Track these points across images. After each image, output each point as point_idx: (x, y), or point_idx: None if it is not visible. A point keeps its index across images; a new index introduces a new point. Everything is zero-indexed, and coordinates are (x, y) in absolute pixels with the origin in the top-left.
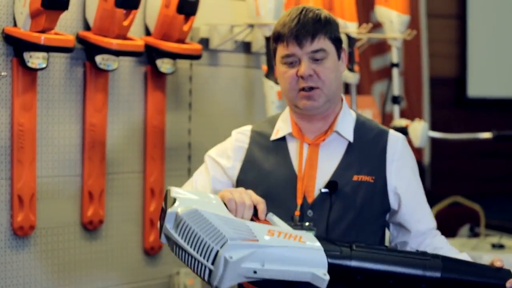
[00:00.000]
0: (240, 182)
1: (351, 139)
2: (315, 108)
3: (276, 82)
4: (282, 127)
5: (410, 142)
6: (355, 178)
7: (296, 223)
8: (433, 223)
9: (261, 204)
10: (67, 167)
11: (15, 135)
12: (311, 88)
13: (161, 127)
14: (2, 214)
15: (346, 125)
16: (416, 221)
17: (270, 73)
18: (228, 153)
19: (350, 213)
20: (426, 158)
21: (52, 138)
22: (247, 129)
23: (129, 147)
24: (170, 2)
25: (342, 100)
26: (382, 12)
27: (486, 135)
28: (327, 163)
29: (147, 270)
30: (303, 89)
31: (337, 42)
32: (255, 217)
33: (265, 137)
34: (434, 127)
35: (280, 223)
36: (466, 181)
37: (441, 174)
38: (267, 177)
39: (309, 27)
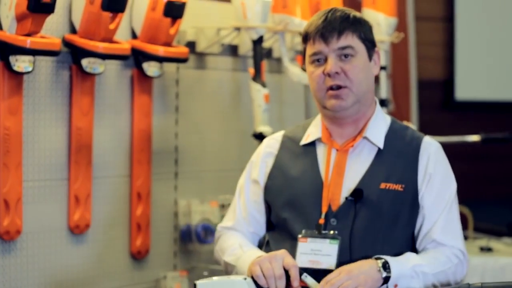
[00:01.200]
0: (268, 188)
1: (381, 145)
2: (343, 109)
3: (263, 85)
4: (313, 132)
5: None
6: (382, 186)
7: (320, 232)
8: (449, 240)
9: (293, 270)
10: (54, 171)
11: (1, 139)
12: (339, 87)
13: (147, 131)
14: None
15: (377, 130)
16: (429, 227)
17: (257, 76)
18: (255, 166)
19: (377, 222)
20: None
21: (39, 142)
22: (279, 134)
23: (116, 150)
24: (156, 5)
25: (376, 103)
26: (369, 14)
27: (474, 138)
28: (355, 169)
29: (134, 274)
30: (331, 88)
31: (368, 43)
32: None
33: (296, 142)
34: (422, 129)
35: (313, 284)
36: None
37: None
38: (293, 183)
39: (336, 24)
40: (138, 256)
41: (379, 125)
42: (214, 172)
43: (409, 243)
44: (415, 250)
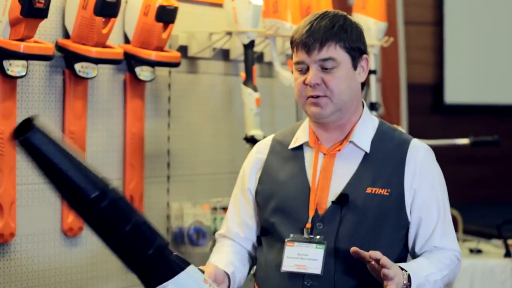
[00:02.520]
0: (258, 193)
1: (367, 149)
2: (323, 117)
3: (255, 89)
4: (301, 136)
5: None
6: (368, 190)
7: (307, 236)
8: (448, 244)
9: None
10: None
11: None
12: (318, 96)
13: (140, 135)
14: None
15: (363, 135)
16: (429, 235)
17: (249, 80)
18: (245, 174)
19: (362, 226)
20: None
21: None
22: (269, 138)
23: (109, 154)
24: (149, 10)
25: (363, 107)
26: (359, 19)
27: (464, 141)
28: (342, 174)
29: (127, 277)
30: (311, 96)
31: (353, 51)
32: None
33: (285, 145)
34: (412, 133)
35: None
36: None
37: None
38: (281, 188)
39: (319, 34)
40: None
41: (366, 129)
42: (206, 175)
43: (395, 248)
44: (402, 254)
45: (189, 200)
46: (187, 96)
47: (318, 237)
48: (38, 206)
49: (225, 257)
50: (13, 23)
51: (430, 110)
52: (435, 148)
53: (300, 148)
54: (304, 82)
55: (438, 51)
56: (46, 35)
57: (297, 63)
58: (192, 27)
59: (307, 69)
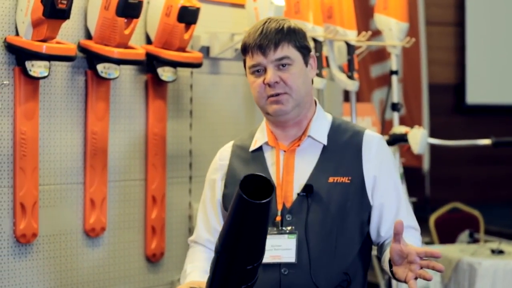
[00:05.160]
0: (225, 197)
1: (325, 142)
2: (285, 113)
3: None
4: (259, 137)
5: (408, 149)
6: (330, 180)
7: (278, 228)
8: (412, 221)
9: None
10: (69, 175)
11: (18, 143)
12: (278, 94)
13: (162, 135)
14: (5, 221)
15: (319, 129)
16: (394, 216)
17: None
18: (211, 181)
19: (328, 214)
20: (426, 165)
21: (54, 146)
22: (229, 145)
23: (131, 154)
24: (170, 11)
25: (316, 104)
26: (381, 20)
27: (485, 141)
28: (303, 167)
29: (149, 277)
30: (271, 95)
31: (303, 50)
32: None
33: (245, 149)
34: (433, 133)
35: None
36: (465, 187)
37: (440, 181)
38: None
39: (272, 36)
40: (153, 259)
41: (321, 124)
42: None
43: (362, 232)
44: (368, 237)
45: None
46: (209, 97)
47: (289, 228)
48: (61, 206)
49: (199, 265)
50: (35, 24)
51: (451, 110)
52: (456, 148)
53: (260, 149)
54: (263, 82)
55: (459, 52)
56: (68, 36)
57: (253, 66)
58: (214, 27)
59: (264, 70)
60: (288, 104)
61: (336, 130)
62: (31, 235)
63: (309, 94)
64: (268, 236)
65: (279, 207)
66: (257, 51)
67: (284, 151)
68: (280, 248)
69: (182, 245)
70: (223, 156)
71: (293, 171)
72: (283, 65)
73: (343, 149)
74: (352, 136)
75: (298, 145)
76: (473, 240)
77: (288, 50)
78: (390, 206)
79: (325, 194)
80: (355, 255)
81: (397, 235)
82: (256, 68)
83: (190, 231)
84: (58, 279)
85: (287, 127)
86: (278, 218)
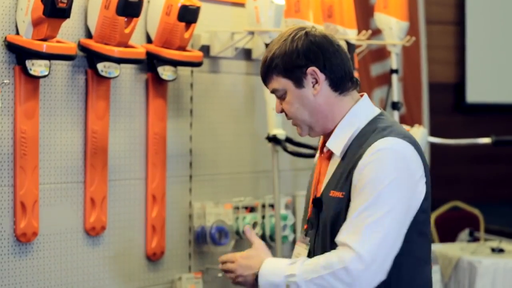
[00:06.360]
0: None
1: (338, 154)
2: (304, 135)
3: None
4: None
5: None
6: (331, 193)
7: (304, 237)
8: (359, 245)
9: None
10: (70, 173)
11: (18, 142)
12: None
13: (162, 134)
14: (5, 220)
15: (338, 140)
16: (342, 234)
17: None
18: None
19: (325, 229)
20: None
21: (55, 145)
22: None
23: (131, 153)
24: (171, 10)
25: (348, 111)
26: (381, 18)
27: (486, 140)
28: (326, 177)
29: (150, 276)
30: None
31: (291, 73)
32: None
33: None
34: (433, 132)
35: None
36: (465, 186)
37: (440, 179)
38: (307, 191)
39: (262, 71)
40: (153, 258)
41: (343, 134)
42: (228, 175)
43: None
44: None
45: (211, 200)
46: (209, 96)
47: (308, 239)
48: (61, 205)
49: None
50: (36, 23)
51: (451, 109)
52: (456, 147)
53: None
54: None
55: (459, 50)
56: (68, 35)
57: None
58: (214, 26)
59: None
60: (302, 131)
61: (357, 140)
62: (31, 234)
63: (317, 112)
64: (297, 243)
65: (308, 215)
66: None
67: (319, 158)
68: (299, 256)
69: (182, 244)
70: (316, 155)
71: (318, 180)
72: (279, 96)
73: (349, 162)
74: (362, 148)
75: (322, 154)
76: (473, 238)
77: (276, 82)
78: (351, 208)
79: (326, 208)
80: None
81: None
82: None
83: (190, 230)
84: (58, 278)
85: (325, 136)
86: (306, 226)
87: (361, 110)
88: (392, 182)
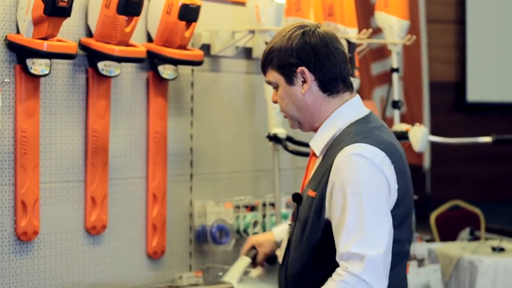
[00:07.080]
0: None
1: (317, 153)
2: (293, 128)
3: None
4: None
5: (409, 147)
6: (308, 193)
7: (289, 229)
8: (352, 247)
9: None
10: (70, 172)
11: (18, 141)
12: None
13: (163, 133)
14: (6, 219)
15: (320, 140)
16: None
17: None
18: None
19: (299, 227)
20: (426, 163)
21: (55, 144)
22: None
23: (132, 152)
24: (171, 8)
25: (332, 112)
26: (382, 17)
27: (486, 139)
28: (310, 176)
29: (150, 275)
30: None
31: (283, 69)
32: None
33: None
34: (434, 131)
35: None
36: (466, 185)
37: (441, 178)
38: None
39: (261, 61)
40: (154, 257)
41: (325, 134)
42: (229, 174)
43: (314, 251)
44: (321, 258)
45: (212, 199)
46: (210, 95)
47: (290, 230)
48: (62, 204)
49: None
50: (36, 22)
51: (452, 108)
52: (457, 146)
53: None
54: None
55: (460, 49)
56: (69, 33)
57: None
58: (215, 25)
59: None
60: (292, 123)
61: (335, 142)
62: (32, 233)
63: (303, 111)
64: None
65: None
66: None
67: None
68: (283, 247)
69: (183, 242)
70: None
71: (305, 176)
72: (274, 88)
73: (325, 163)
74: (337, 149)
75: (313, 152)
76: (474, 237)
77: (271, 74)
78: (334, 229)
79: (303, 205)
80: (322, 274)
81: None
82: None
83: (191, 229)
84: (59, 277)
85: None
86: (292, 218)
87: (346, 111)
88: (363, 189)
